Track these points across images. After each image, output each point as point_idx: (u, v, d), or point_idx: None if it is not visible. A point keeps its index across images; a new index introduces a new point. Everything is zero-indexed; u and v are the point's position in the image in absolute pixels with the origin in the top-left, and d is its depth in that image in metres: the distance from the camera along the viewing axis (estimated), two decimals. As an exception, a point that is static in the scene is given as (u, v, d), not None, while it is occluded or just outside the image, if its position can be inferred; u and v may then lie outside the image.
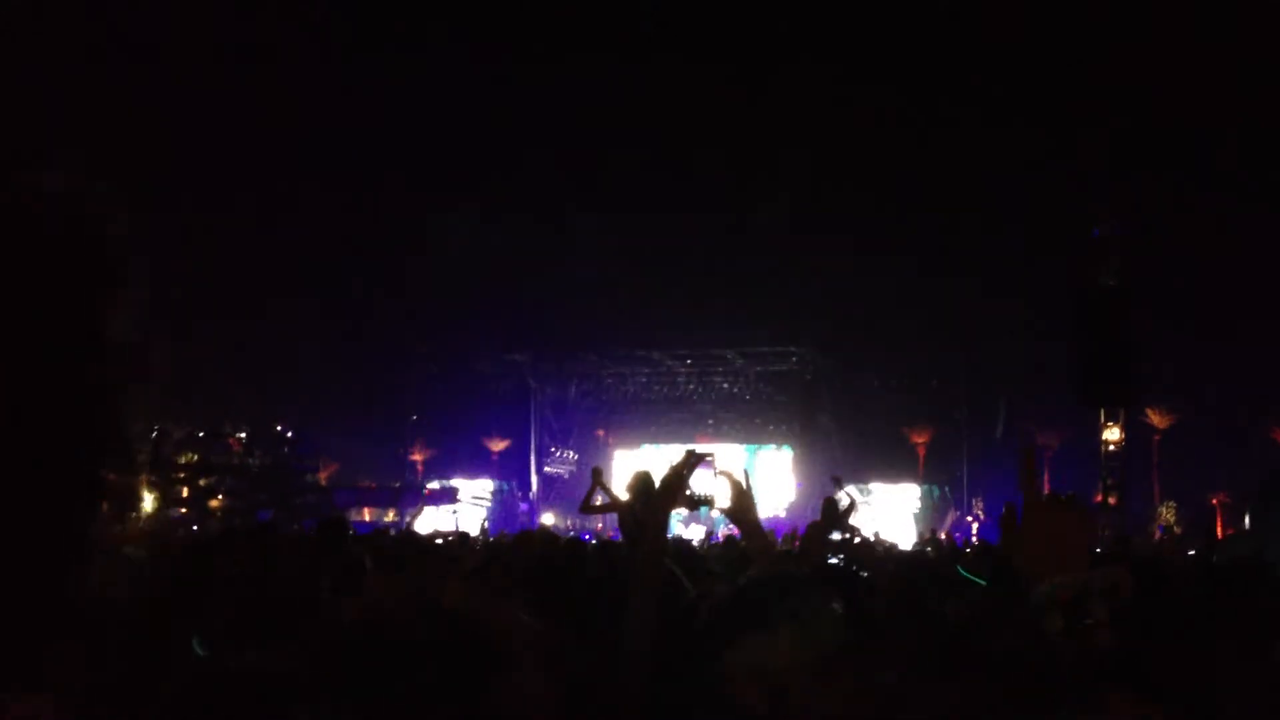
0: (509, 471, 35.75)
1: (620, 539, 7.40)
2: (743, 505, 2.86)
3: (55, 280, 0.50)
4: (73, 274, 0.51)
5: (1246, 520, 22.87)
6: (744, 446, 34.73)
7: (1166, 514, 28.86)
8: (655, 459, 32.91)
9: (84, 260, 0.52)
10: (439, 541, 11.65)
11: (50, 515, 0.50)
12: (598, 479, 8.87)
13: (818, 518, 3.70)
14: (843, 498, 10.36)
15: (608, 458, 32.99)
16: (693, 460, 2.63)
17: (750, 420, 36.23)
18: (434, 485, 33.98)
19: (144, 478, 29.40)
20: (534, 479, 35.46)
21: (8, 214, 0.48)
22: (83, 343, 0.50)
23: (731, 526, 3.12)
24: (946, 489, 34.02)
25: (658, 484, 2.68)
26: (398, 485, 34.29)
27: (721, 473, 2.83)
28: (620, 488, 8.48)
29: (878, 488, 32.72)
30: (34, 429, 0.48)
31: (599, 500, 8.88)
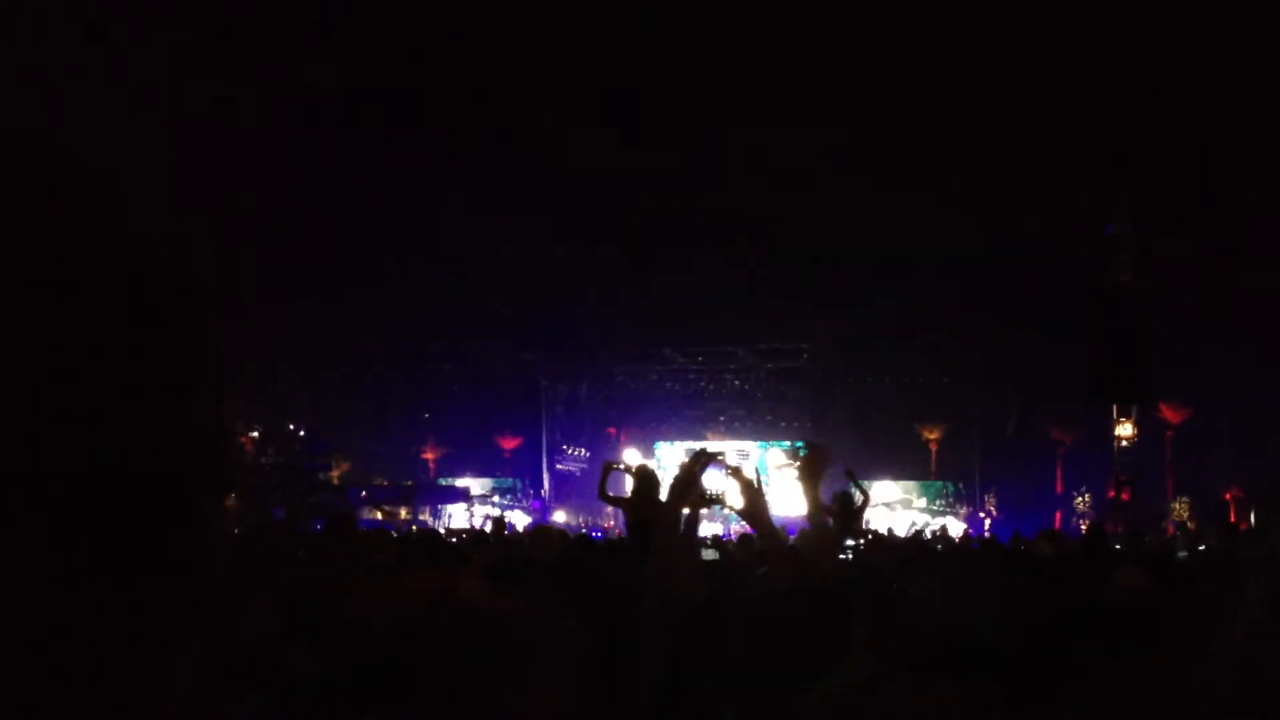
0: (521, 469, 35.81)
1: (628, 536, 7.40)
2: (754, 504, 2.86)
3: (163, 315, 0.52)
4: (178, 311, 0.53)
5: (1252, 518, 22.89)
6: (757, 444, 34.75)
7: (1180, 509, 28.77)
8: (668, 456, 32.99)
9: (188, 299, 0.54)
10: (454, 540, 11.69)
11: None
12: (610, 469, 8.95)
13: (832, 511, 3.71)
14: (856, 493, 10.30)
15: (619, 455, 33.02)
16: (703, 459, 2.64)
17: (762, 417, 36.24)
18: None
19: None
20: (545, 477, 35.51)
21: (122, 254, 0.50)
22: (188, 379, 0.53)
23: (743, 524, 3.13)
24: (960, 485, 33.99)
25: (668, 482, 2.69)
26: (410, 484, 34.37)
27: (732, 471, 2.84)
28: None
29: (887, 484, 32.74)
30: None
31: (611, 493, 8.85)
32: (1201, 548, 12.74)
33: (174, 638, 0.51)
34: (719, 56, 29.83)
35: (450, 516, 31.41)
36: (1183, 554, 11.97)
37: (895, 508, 31.57)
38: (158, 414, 0.51)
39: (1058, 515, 29.89)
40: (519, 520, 30.57)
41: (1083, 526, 26.03)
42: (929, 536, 20.13)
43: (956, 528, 26.95)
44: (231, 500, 29.17)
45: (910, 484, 33.47)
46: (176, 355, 0.52)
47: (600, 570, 4.13)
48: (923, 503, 32.96)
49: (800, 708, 1.88)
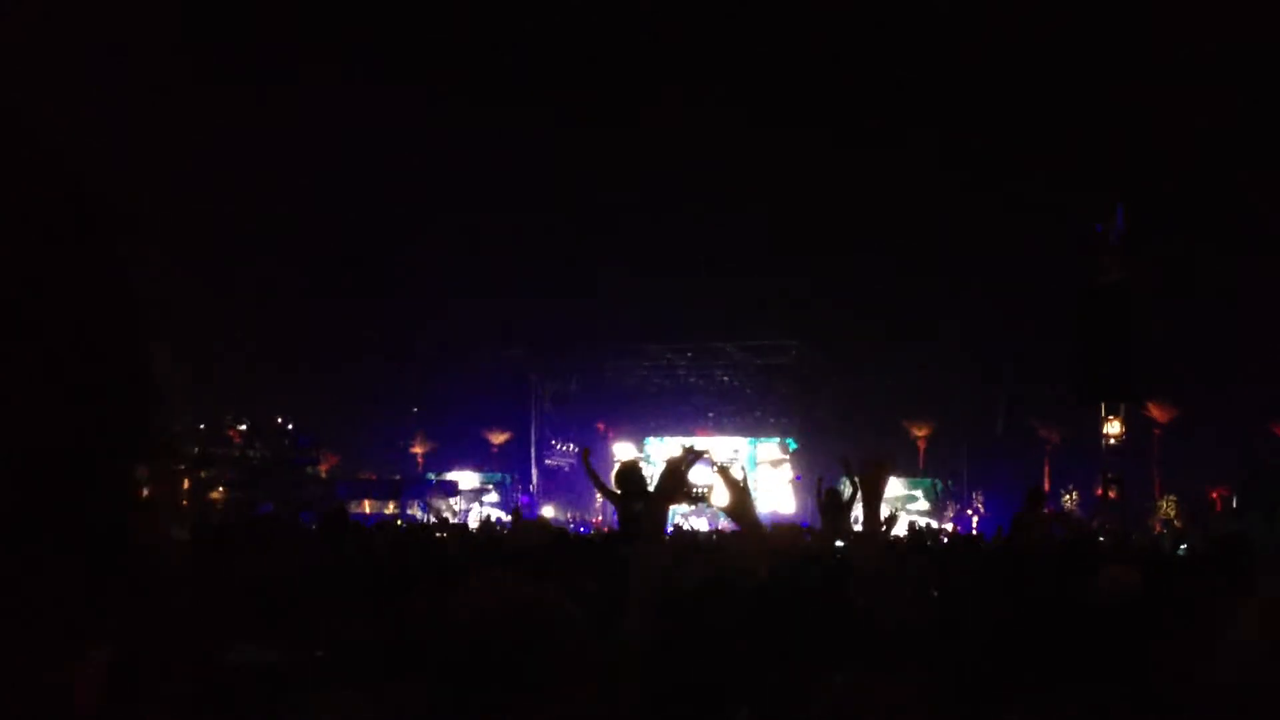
0: (509, 464, 35.76)
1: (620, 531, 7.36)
2: (740, 502, 2.86)
3: (61, 236, 0.45)
4: (80, 229, 0.47)
5: (1234, 502, 23.12)
6: (746, 440, 34.74)
7: (1167, 508, 28.84)
8: (657, 452, 33.01)
9: (92, 217, 0.48)
10: (440, 535, 11.66)
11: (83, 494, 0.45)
12: (588, 454, 8.98)
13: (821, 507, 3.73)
14: (846, 487, 10.32)
15: (607, 450, 32.99)
16: (690, 456, 2.63)
17: (750, 413, 36.21)
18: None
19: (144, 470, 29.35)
20: (534, 472, 35.47)
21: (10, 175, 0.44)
22: (97, 300, 0.46)
23: (730, 521, 3.13)
24: (949, 482, 34.04)
25: (656, 478, 2.68)
26: (398, 478, 34.31)
27: (719, 469, 2.83)
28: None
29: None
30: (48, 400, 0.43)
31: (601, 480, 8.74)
32: (1183, 546, 12.78)
33: (79, 627, 0.46)
34: (710, 51, 29.81)
35: (428, 507, 31.40)
36: (1182, 548, 12.01)
37: (896, 505, 31.43)
38: (56, 364, 0.42)
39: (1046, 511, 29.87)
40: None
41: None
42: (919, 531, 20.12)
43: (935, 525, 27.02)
44: (219, 492, 29.10)
45: (906, 480, 33.42)
46: (81, 295, 0.45)
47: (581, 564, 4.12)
48: (923, 504, 32.91)
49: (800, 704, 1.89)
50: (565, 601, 1.86)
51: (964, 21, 27.05)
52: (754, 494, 2.98)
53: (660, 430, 34.94)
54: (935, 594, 4.19)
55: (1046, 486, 31.99)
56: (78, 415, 0.45)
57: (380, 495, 32.54)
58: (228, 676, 1.80)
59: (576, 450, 36.13)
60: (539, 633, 1.74)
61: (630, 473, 7.20)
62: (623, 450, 32.80)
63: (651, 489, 2.69)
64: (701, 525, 23.42)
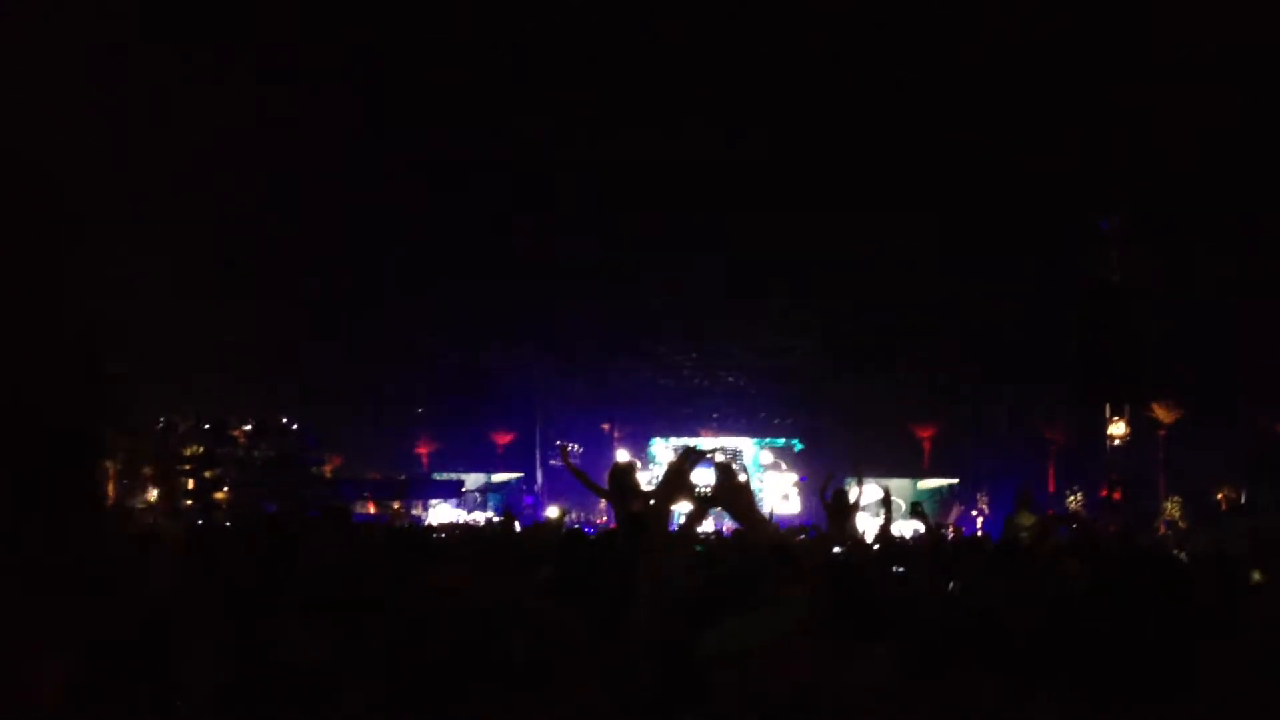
0: (514, 464, 35.83)
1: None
2: (742, 502, 2.88)
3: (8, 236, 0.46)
4: (24, 229, 0.48)
5: (1242, 497, 23.23)
6: (752, 440, 34.78)
7: (1172, 509, 28.82)
8: (660, 453, 33.07)
9: (35, 215, 0.49)
10: (443, 535, 11.71)
11: (42, 476, 0.47)
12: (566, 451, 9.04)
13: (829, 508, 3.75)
14: (854, 491, 10.32)
15: (612, 452, 33.05)
16: (693, 457, 2.66)
17: (755, 414, 36.26)
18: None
19: (151, 469, 29.56)
20: (539, 472, 35.53)
21: None
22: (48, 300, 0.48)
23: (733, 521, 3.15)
24: (954, 483, 34.03)
25: (659, 479, 2.71)
26: (403, 478, 34.38)
27: (719, 469, 2.85)
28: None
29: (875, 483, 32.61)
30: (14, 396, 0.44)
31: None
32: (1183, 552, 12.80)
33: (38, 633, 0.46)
34: (707, 53, 29.83)
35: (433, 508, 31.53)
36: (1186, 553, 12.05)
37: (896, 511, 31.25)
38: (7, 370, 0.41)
39: (1049, 514, 29.86)
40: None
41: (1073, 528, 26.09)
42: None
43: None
44: (224, 493, 29.18)
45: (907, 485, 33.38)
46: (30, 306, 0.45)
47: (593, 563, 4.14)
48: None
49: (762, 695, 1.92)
50: (559, 604, 1.88)
51: (964, 21, 27.00)
52: (758, 493, 3.00)
53: (666, 431, 35.00)
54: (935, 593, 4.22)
55: (1051, 488, 31.99)
56: (29, 422, 0.45)
57: (385, 495, 32.63)
58: (254, 677, 1.83)
59: (581, 451, 36.20)
60: (532, 632, 1.77)
61: (620, 475, 7.22)
62: (623, 453, 32.87)
63: (654, 490, 2.72)
64: (707, 526, 23.46)
